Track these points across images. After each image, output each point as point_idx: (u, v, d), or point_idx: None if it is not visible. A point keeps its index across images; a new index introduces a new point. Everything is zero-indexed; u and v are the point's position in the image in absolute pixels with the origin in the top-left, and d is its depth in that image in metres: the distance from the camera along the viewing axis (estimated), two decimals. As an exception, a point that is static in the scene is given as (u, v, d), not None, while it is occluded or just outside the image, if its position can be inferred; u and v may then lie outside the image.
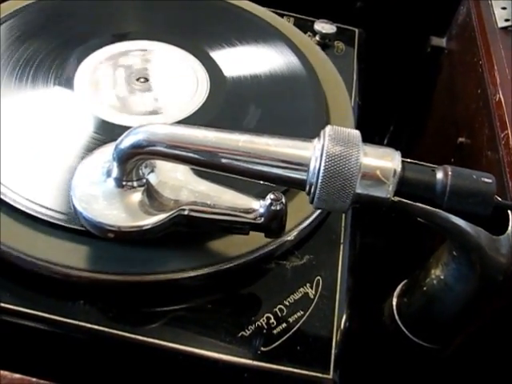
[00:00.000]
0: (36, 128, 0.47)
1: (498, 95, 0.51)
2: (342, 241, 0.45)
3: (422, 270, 0.42)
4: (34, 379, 0.31)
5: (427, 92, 0.74)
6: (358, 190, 0.33)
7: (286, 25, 0.62)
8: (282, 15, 0.65)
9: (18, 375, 0.31)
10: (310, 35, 0.63)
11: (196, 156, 0.35)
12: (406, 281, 0.45)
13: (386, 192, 0.33)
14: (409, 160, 0.34)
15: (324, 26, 0.61)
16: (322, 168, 0.32)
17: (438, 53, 0.71)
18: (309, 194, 0.34)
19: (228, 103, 0.51)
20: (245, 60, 0.55)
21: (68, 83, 0.50)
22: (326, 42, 0.62)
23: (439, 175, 0.34)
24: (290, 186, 0.35)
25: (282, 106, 0.51)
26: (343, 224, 0.47)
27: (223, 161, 0.34)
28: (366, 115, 0.61)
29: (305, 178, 0.33)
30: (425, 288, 0.41)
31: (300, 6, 0.67)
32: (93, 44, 0.54)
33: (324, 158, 0.32)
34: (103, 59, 0.53)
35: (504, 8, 0.60)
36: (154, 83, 0.51)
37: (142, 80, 0.51)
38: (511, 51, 0.56)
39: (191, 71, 0.53)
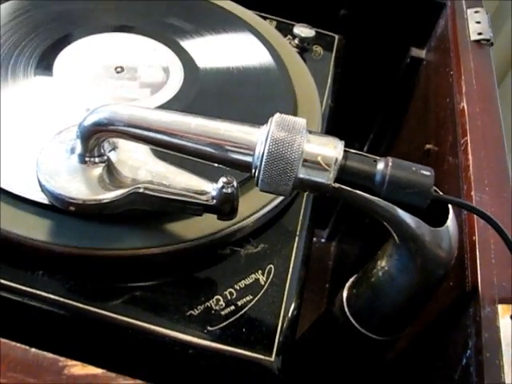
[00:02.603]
0: (11, 112, 0.48)
1: (463, 103, 0.53)
2: (297, 232, 0.47)
3: (371, 262, 0.43)
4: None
5: (405, 101, 0.75)
6: (300, 175, 0.34)
7: (263, 24, 0.63)
8: (264, 18, 0.67)
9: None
10: (289, 38, 0.65)
11: (151, 135, 0.37)
12: (357, 274, 0.46)
13: (327, 178, 0.34)
14: (352, 150, 0.36)
15: (303, 30, 0.63)
16: (266, 151, 0.34)
17: (417, 63, 0.73)
18: (254, 176, 0.36)
19: (201, 93, 0.52)
20: (217, 54, 0.57)
21: (47, 71, 0.52)
22: (304, 46, 0.64)
23: (380, 166, 0.35)
24: (238, 169, 0.36)
25: (249, 99, 0.53)
26: (301, 217, 0.48)
27: (175, 141, 0.36)
28: (347, 123, 0.62)
29: (251, 161, 0.35)
30: (372, 279, 0.42)
31: (285, 11, 0.69)
32: (70, 35, 0.55)
33: (268, 142, 0.34)
34: (81, 49, 0.54)
35: (478, 22, 0.62)
36: (129, 73, 0.53)
37: (119, 70, 0.53)
38: (481, 63, 0.57)
39: (166, 62, 0.55)
